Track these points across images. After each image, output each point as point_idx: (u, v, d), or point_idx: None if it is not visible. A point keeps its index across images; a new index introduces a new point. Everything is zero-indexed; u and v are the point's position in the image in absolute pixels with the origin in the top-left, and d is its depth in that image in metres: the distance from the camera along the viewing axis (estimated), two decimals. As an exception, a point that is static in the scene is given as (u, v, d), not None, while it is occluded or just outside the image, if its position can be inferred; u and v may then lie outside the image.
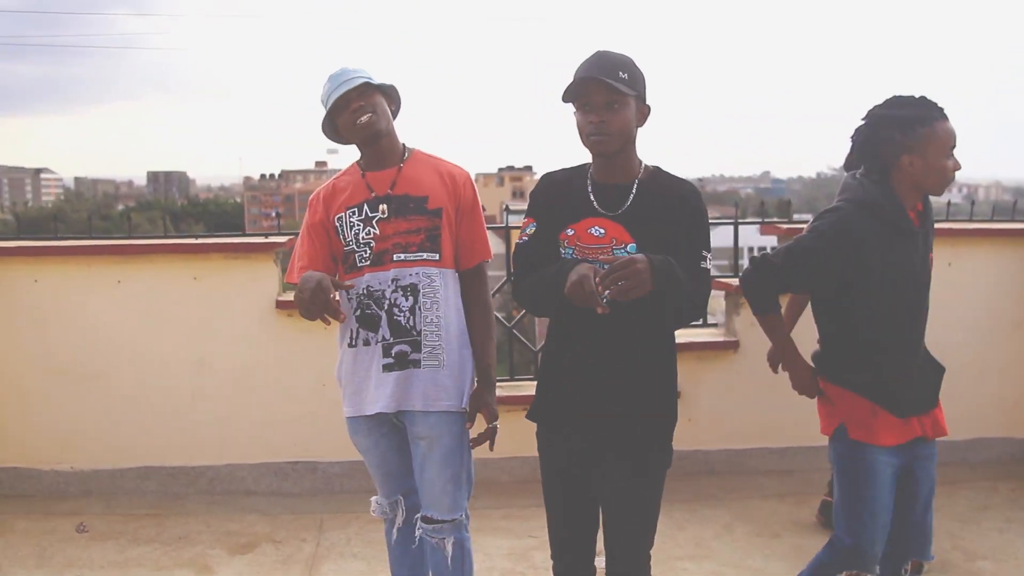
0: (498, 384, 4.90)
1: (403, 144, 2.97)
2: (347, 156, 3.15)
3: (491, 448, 3.03)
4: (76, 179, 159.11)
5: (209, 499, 4.72)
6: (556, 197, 2.62)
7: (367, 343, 2.88)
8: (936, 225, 4.64)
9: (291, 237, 4.90)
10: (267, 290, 4.75)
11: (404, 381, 2.84)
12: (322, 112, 2.92)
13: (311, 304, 2.57)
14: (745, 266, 3.17)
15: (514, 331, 5.08)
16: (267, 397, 4.77)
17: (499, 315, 5.33)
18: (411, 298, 2.83)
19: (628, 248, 2.49)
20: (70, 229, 5.09)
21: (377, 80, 2.86)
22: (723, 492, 4.78)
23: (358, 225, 2.86)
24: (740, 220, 5.18)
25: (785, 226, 5.00)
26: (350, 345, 2.94)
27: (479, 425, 2.99)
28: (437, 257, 2.86)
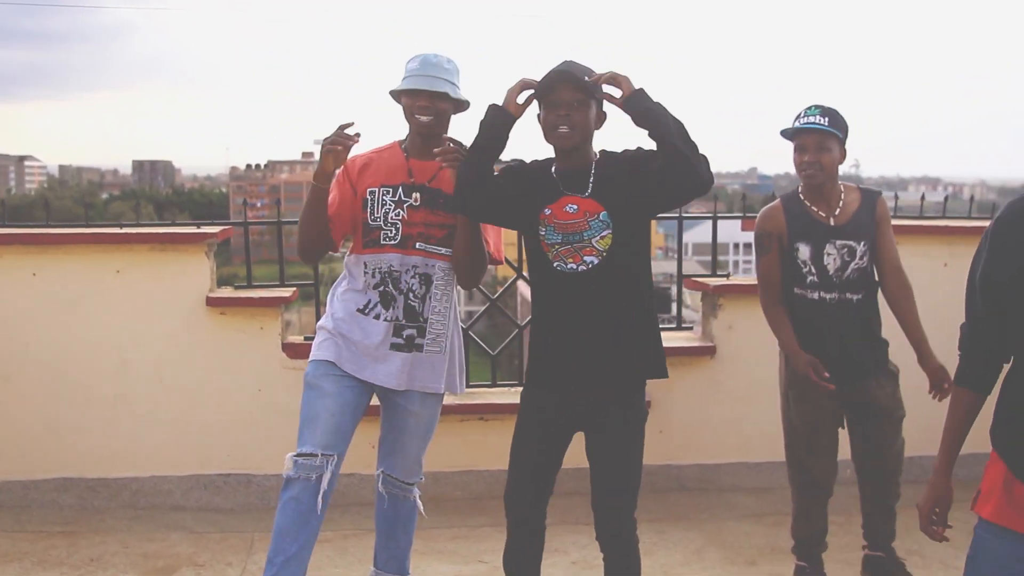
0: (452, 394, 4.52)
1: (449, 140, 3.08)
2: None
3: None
4: (61, 167, 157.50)
5: (132, 514, 4.29)
6: (526, 180, 2.84)
7: (377, 317, 3.03)
8: (933, 223, 4.21)
9: (224, 228, 4.49)
10: (198, 285, 4.32)
11: (410, 363, 3.04)
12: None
13: (333, 139, 2.86)
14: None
15: (469, 332, 4.66)
16: (197, 402, 4.35)
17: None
18: (424, 287, 3.04)
19: (601, 216, 2.73)
20: (54, 217, 4.67)
21: (456, 95, 3.00)
22: (695, 511, 4.39)
23: (389, 204, 3.01)
24: (719, 215, 4.76)
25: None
26: (359, 311, 3.06)
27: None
28: (450, 254, 3.04)
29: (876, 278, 3.43)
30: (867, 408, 3.45)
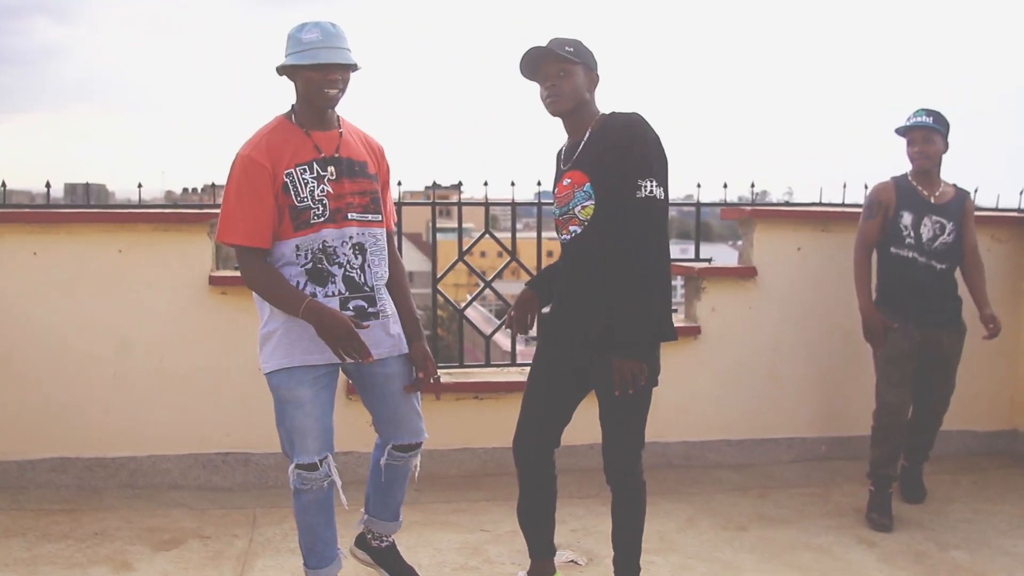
0: (448, 371, 4.65)
1: None
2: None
3: (438, 397, 3.36)
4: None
5: (130, 493, 4.31)
6: (555, 163, 3.11)
7: (313, 296, 2.92)
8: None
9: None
10: (199, 265, 4.38)
11: (373, 332, 2.98)
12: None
13: (347, 345, 2.86)
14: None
15: (465, 316, 4.79)
16: (196, 382, 4.39)
17: (449, 298, 5.05)
18: (360, 256, 3.00)
19: (585, 187, 2.87)
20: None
21: (355, 60, 2.94)
22: (682, 486, 4.55)
23: (312, 183, 2.92)
24: (702, 203, 4.96)
25: (749, 208, 4.82)
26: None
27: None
28: (380, 219, 3.07)
29: (959, 255, 4.24)
30: (934, 354, 4.24)
